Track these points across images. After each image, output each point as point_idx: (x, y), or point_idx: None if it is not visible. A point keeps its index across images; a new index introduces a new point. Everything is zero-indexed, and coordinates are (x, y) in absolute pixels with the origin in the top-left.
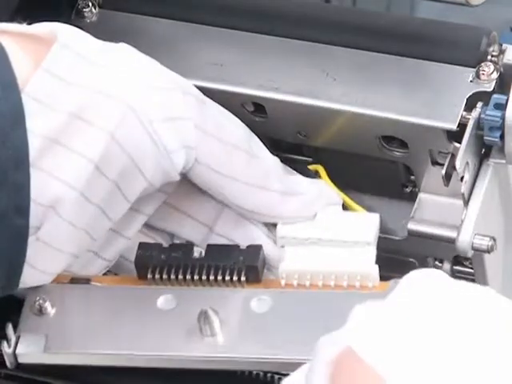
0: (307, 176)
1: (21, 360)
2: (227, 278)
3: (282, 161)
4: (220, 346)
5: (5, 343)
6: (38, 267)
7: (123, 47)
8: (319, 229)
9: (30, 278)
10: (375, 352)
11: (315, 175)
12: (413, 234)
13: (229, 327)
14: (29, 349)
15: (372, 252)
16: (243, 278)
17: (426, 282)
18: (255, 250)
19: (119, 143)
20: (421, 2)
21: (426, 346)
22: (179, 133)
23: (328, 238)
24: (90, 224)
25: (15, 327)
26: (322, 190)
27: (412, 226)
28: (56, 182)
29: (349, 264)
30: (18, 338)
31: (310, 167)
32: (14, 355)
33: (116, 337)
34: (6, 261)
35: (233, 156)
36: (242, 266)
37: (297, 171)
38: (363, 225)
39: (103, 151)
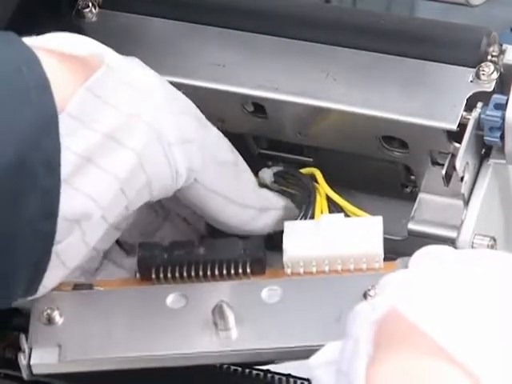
0: (300, 180)
1: (36, 371)
2: (233, 271)
3: (282, 161)
4: (236, 340)
5: (21, 355)
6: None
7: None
8: (324, 244)
9: None
10: (418, 310)
11: (310, 179)
12: (413, 234)
13: (242, 320)
14: (43, 359)
15: (377, 233)
16: (248, 270)
17: (447, 251)
18: (257, 240)
19: (142, 165)
20: (421, 2)
21: (463, 301)
22: (188, 155)
23: (334, 255)
24: (99, 241)
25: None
26: (286, 205)
27: (412, 226)
28: (85, 198)
29: (353, 246)
30: (30, 350)
31: (306, 170)
32: (29, 367)
33: (130, 339)
34: (31, 265)
35: (225, 176)
36: (246, 258)
37: (295, 171)
38: (367, 232)
39: (129, 172)
